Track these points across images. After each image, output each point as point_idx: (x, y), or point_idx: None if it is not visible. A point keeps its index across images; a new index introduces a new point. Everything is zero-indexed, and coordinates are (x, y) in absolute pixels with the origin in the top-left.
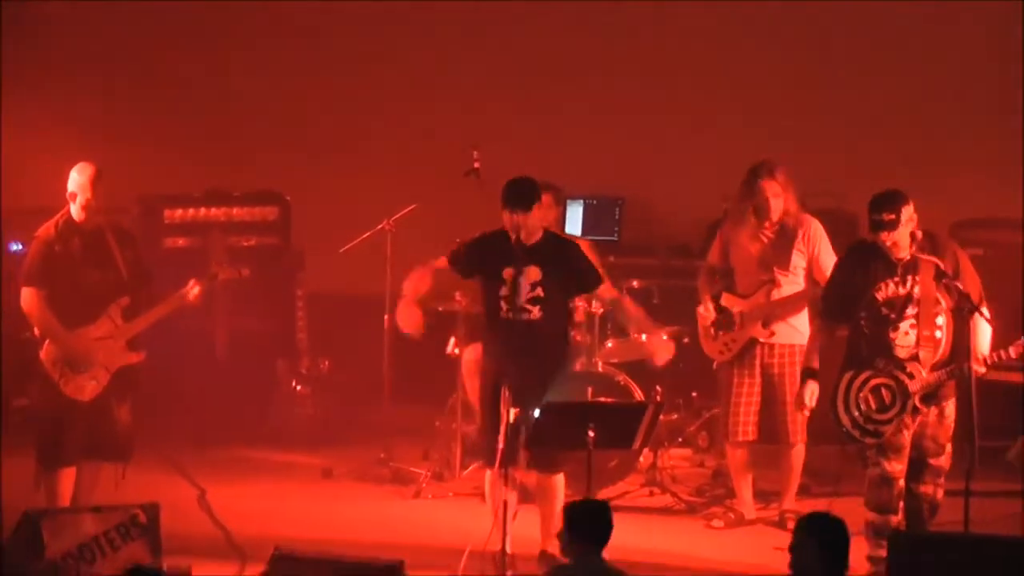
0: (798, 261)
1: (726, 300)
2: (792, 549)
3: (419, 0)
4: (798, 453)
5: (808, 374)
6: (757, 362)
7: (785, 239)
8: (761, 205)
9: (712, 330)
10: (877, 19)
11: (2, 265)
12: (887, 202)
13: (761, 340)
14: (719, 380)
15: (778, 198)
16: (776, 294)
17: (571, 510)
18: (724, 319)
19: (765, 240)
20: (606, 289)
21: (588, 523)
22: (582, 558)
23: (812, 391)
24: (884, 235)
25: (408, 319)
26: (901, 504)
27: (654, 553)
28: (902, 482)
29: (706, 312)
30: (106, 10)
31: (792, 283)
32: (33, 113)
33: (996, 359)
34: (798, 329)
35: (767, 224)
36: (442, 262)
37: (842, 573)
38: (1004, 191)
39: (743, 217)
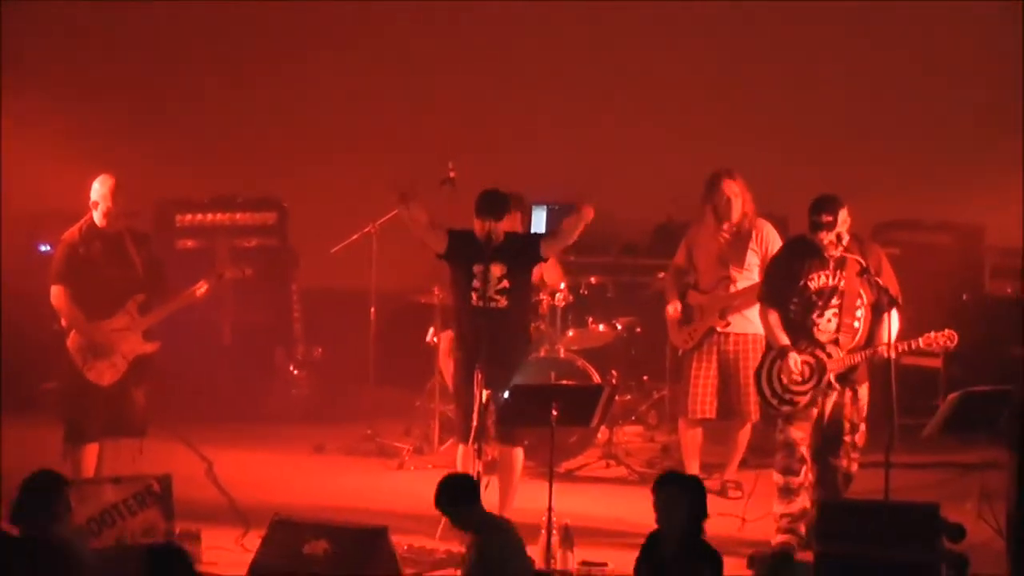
0: (752, 259)
1: (691, 297)
2: (663, 504)
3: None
4: (746, 431)
5: (785, 349)
6: (715, 348)
7: (741, 240)
8: (721, 205)
9: (678, 325)
10: (808, 32)
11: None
12: (826, 205)
13: (719, 329)
14: (682, 366)
15: (737, 198)
16: (732, 288)
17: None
18: (687, 314)
19: (723, 240)
20: (546, 241)
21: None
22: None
23: (795, 359)
24: (822, 234)
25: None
26: (805, 469)
27: (611, 519)
28: (803, 449)
29: (674, 313)
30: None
31: (747, 279)
32: (59, 127)
33: (907, 347)
34: (751, 320)
35: (726, 225)
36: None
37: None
38: (924, 194)
39: (704, 218)
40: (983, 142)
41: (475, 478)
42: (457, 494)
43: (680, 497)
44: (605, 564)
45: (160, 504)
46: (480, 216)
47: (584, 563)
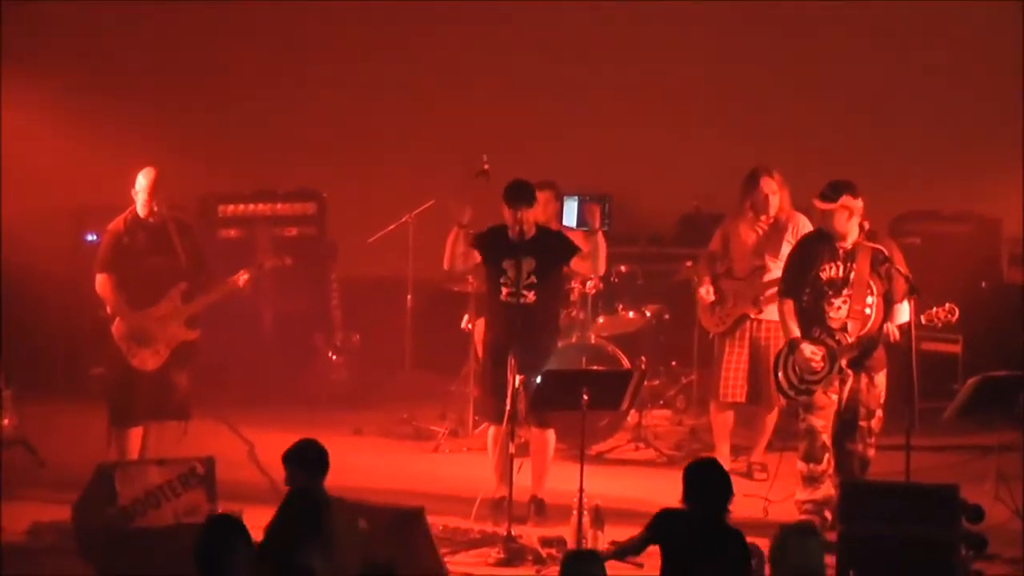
0: (787, 250)
1: (725, 284)
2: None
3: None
4: (773, 415)
5: (795, 342)
6: (747, 335)
7: (777, 231)
8: (759, 201)
9: (710, 308)
10: (829, 26)
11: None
12: (842, 186)
13: (751, 316)
14: (715, 350)
15: (775, 195)
16: (767, 277)
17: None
18: (720, 298)
19: (760, 231)
20: (579, 259)
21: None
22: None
23: (809, 348)
24: (835, 216)
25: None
26: (827, 456)
27: (640, 500)
28: (825, 436)
29: (707, 295)
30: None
31: (780, 269)
32: (107, 121)
33: (910, 327)
34: None
35: (763, 218)
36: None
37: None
38: (942, 185)
39: (742, 211)
40: (1000, 133)
41: (326, 456)
42: (307, 459)
43: (712, 482)
44: None
45: (204, 485)
46: (510, 205)
47: (614, 543)
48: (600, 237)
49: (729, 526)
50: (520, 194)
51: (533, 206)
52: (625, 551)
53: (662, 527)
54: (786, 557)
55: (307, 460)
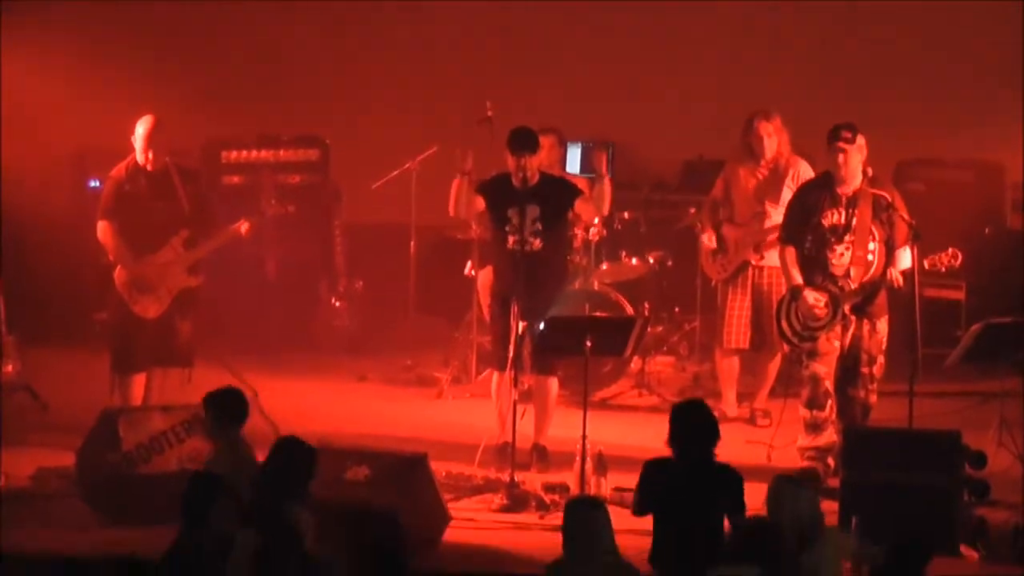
0: (787, 196)
1: (726, 230)
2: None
3: None
4: (775, 362)
5: (798, 289)
6: (749, 281)
7: (777, 176)
8: (756, 144)
9: (713, 255)
10: None
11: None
12: (843, 125)
13: (753, 263)
14: (718, 297)
15: (771, 138)
16: (767, 223)
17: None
18: (722, 245)
19: (760, 177)
20: (582, 202)
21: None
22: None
23: (812, 295)
24: (841, 156)
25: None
26: (830, 403)
27: (643, 446)
28: (828, 383)
29: (709, 242)
30: None
31: (781, 215)
32: (109, 67)
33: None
34: None
35: (762, 163)
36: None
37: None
38: (946, 132)
39: (742, 156)
40: (1005, 79)
41: (245, 408)
42: (227, 405)
43: (698, 422)
44: None
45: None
46: (513, 152)
47: (617, 489)
48: (607, 182)
49: (719, 464)
50: (524, 141)
51: (537, 153)
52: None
53: (651, 479)
54: (780, 508)
55: (226, 406)
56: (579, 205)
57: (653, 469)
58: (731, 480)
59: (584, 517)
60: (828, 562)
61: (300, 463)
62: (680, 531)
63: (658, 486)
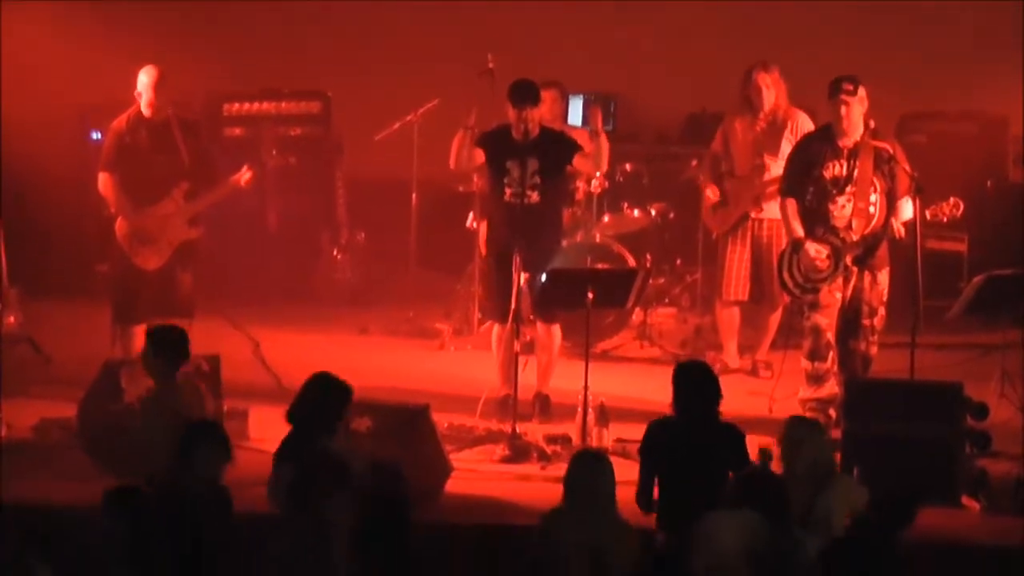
0: (786, 148)
1: (726, 183)
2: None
3: None
4: (776, 315)
5: (799, 241)
6: (749, 234)
7: (776, 129)
8: (754, 96)
9: (713, 208)
10: None
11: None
12: (845, 77)
13: (752, 215)
14: (717, 249)
15: (770, 89)
16: (766, 176)
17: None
18: (723, 198)
19: (759, 129)
20: (580, 157)
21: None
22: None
23: (813, 247)
24: (843, 108)
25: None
26: (832, 354)
27: (644, 398)
28: (830, 335)
29: (712, 195)
30: None
31: (780, 167)
32: (110, 19)
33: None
34: None
35: (761, 115)
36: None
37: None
38: (948, 85)
39: (741, 107)
40: (1008, 31)
41: (185, 340)
42: (167, 343)
43: (701, 382)
44: (639, 441)
45: (209, 383)
46: (514, 105)
47: (619, 440)
48: (603, 138)
49: (722, 423)
50: (525, 93)
51: (538, 106)
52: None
53: (657, 444)
54: (795, 449)
55: (165, 344)
56: (577, 160)
57: (657, 429)
58: (734, 437)
59: (588, 470)
60: (840, 508)
61: (334, 399)
62: (683, 488)
63: (661, 446)
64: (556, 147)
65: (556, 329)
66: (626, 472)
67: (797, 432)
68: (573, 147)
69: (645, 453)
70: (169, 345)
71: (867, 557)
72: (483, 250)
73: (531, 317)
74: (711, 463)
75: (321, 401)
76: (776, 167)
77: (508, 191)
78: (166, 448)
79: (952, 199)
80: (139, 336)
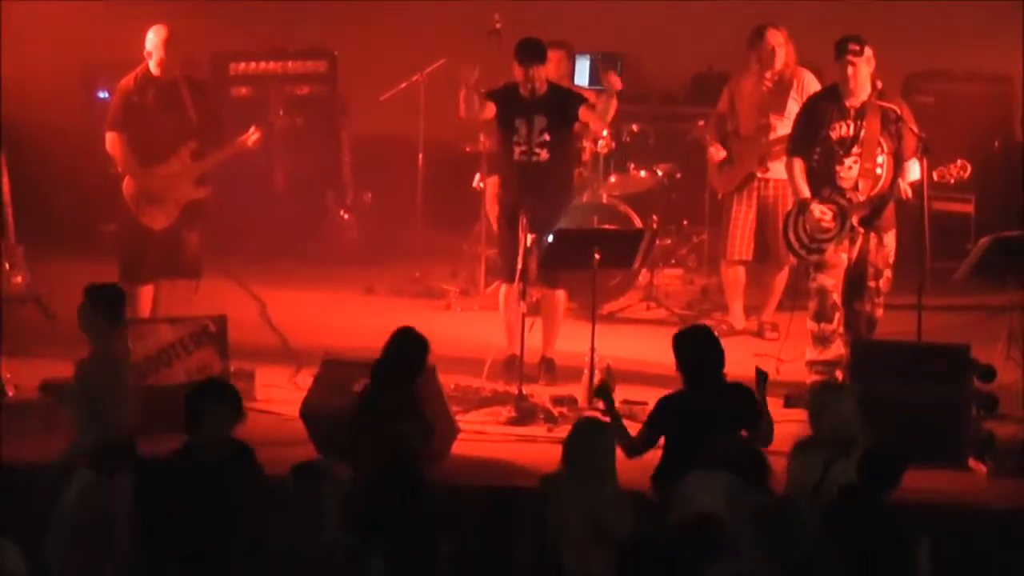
0: (792, 108)
1: (732, 143)
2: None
3: None
4: (783, 275)
5: (805, 202)
6: (755, 193)
7: (782, 88)
8: (765, 54)
9: (719, 167)
10: None
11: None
12: (851, 37)
13: (758, 175)
14: (722, 209)
15: (781, 48)
16: (772, 136)
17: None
18: (728, 158)
19: (765, 88)
20: (586, 109)
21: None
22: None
23: (818, 208)
24: (850, 68)
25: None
26: (838, 316)
27: (651, 360)
28: (836, 296)
29: (716, 153)
30: None
31: (786, 127)
32: None
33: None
34: None
35: (768, 74)
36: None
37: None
38: (955, 45)
39: (748, 66)
40: None
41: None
42: (104, 301)
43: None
44: (645, 403)
45: (215, 343)
46: (521, 63)
47: (625, 402)
48: (614, 100)
49: (728, 383)
50: (532, 51)
51: (544, 64)
52: (633, 447)
53: (665, 417)
54: (821, 414)
55: (101, 302)
56: (583, 112)
57: (668, 404)
58: (742, 396)
59: (589, 439)
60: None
61: (414, 351)
62: (689, 454)
63: (670, 419)
64: (563, 103)
65: (561, 294)
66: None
67: (821, 397)
68: (579, 99)
69: (653, 424)
70: (108, 302)
71: (856, 520)
72: (491, 208)
73: (537, 279)
74: (720, 427)
75: (401, 355)
76: (782, 127)
77: (517, 149)
78: (92, 411)
79: (959, 161)
80: (145, 296)
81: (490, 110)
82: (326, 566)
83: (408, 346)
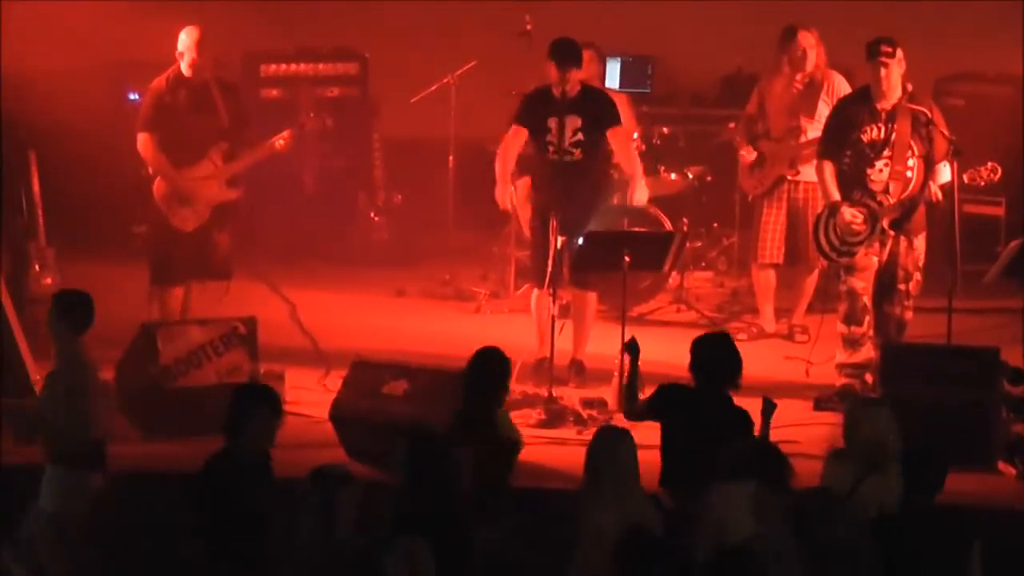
0: (823, 110)
1: (762, 145)
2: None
3: None
4: (812, 278)
5: (836, 205)
6: (785, 196)
7: (813, 90)
8: (796, 56)
9: (750, 169)
10: None
11: None
12: (884, 39)
13: (788, 177)
14: (753, 212)
15: (812, 50)
16: (803, 138)
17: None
18: (759, 160)
19: (795, 91)
20: (615, 133)
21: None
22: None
23: (849, 211)
24: (883, 70)
25: (503, 197)
26: (868, 319)
27: (680, 362)
28: (866, 299)
29: (748, 155)
30: None
31: (817, 129)
32: None
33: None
34: None
35: (799, 76)
36: (516, 130)
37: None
38: (986, 47)
39: (778, 68)
40: None
41: (90, 306)
42: (69, 309)
43: (718, 356)
44: None
45: (245, 345)
46: (559, 65)
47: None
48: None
49: (735, 407)
50: (569, 53)
51: (580, 67)
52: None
53: (663, 402)
54: (856, 430)
55: (67, 310)
56: (611, 134)
57: (667, 392)
58: (741, 423)
59: (611, 447)
60: (890, 493)
61: (499, 371)
62: (691, 458)
63: (669, 410)
64: (596, 105)
65: (591, 296)
66: (648, 436)
67: (855, 412)
68: (614, 116)
69: (652, 405)
70: (73, 309)
71: (909, 525)
72: (522, 209)
73: (568, 282)
74: (719, 438)
75: (488, 375)
76: (812, 129)
77: (551, 149)
78: (65, 418)
79: (990, 164)
80: (176, 298)
81: (523, 138)
82: (336, 568)
83: (489, 365)
